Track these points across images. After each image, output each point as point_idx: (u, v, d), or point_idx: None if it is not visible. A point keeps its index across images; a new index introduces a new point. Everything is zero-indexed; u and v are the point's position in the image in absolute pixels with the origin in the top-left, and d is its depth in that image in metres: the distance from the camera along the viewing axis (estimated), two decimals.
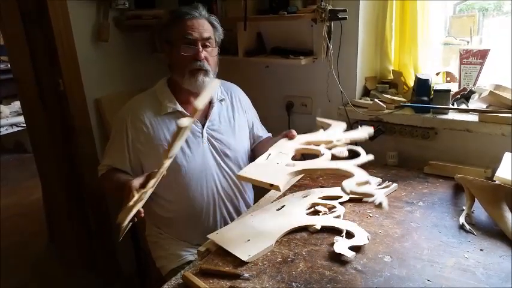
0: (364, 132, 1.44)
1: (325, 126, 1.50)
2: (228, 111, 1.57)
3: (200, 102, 1.08)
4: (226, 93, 1.60)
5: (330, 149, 1.30)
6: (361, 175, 1.10)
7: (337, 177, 1.56)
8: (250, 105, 1.69)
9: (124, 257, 2.26)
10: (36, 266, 2.61)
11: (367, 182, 1.07)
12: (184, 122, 1.05)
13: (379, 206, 0.98)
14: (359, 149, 1.30)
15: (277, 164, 1.19)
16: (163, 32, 1.46)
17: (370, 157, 1.24)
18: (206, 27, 1.42)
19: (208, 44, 1.42)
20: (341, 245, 1.09)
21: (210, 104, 1.53)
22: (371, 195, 1.01)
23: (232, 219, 1.50)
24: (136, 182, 1.16)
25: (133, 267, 2.11)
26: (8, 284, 2.43)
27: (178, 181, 1.43)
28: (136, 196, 1.10)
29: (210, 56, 1.43)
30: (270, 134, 1.73)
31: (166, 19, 1.47)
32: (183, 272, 1.06)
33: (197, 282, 1.00)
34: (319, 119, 1.54)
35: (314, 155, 1.28)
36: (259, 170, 1.16)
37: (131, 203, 1.09)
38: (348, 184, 1.06)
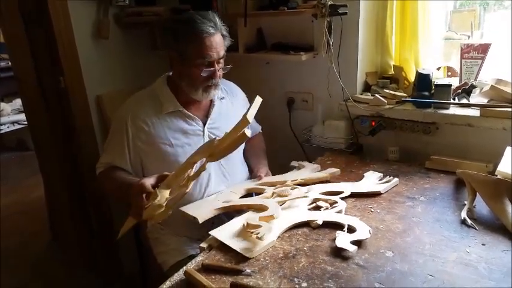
0: (326, 173, 1.54)
1: (301, 167, 1.63)
2: (228, 109, 1.57)
3: (250, 116, 1.17)
4: (226, 92, 1.61)
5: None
6: (271, 211, 1.24)
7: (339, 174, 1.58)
8: (247, 104, 1.68)
9: (126, 256, 2.26)
10: (37, 265, 2.61)
11: (270, 217, 1.20)
12: (249, 132, 1.16)
13: (260, 237, 1.10)
14: (301, 188, 1.43)
15: (218, 200, 1.39)
16: (174, 40, 1.41)
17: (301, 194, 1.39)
18: (221, 43, 1.41)
19: (221, 60, 1.43)
20: (343, 240, 1.09)
21: (211, 102, 1.54)
22: (258, 227, 1.14)
23: (232, 215, 1.51)
24: (148, 182, 1.17)
25: (135, 267, 2.11)
26: (8, 283, 2.43)
27: None
28: (159, 196, 1.12)
29: (221, 72, 1.45)
30: (259, 129, 1.78)
31: (180, 28, 1.40)
32: (185, 268, 1.07)
33: (199, 278, 1.00)
34: (294, 163, 1.67)
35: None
36: (196, 205, 1.37)
37: (156, 201, 1.11)
38: (251, 216, 1.24)
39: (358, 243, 1.10)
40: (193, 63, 1.39)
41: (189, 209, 1.32)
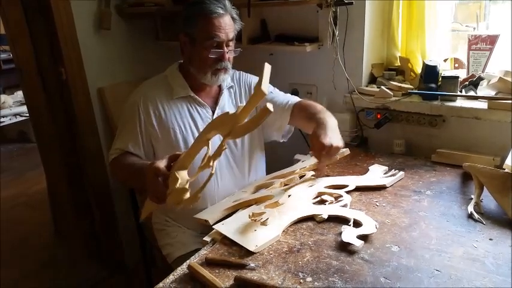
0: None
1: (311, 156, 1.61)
2: (236, 98, 1.56)
3: (265, 88, 1.05)
4: (235, 81, 1.59)
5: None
6: (275, 198, 1.27)
7: (343, 166, 1.56)
8: (256, 80, 1.65)
9: (129, 247, 2.27)
10: (41, 256, 2.62)
11: (275, 203, 1.24)
12: (271, 106, 1.03)
13: (264, 221, 1.15)
14: (308, 173, 1.47)
15: (231, 201, 1.37)
16: (183, 23, 1.42)
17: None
18: (230, 25, 1.40)
19: (231, 43, 1.43)
20: (349, 234, 1.08)
21: (220, 90, 1.53)
22: (262, 214, 1.17)
23: None
24: (161, 164, 1.13)
25: (138, 258, 2.11)
26: (12, 273, 2.44)
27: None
28: (180, 179, 1.07)
29: (231, 55, 1.44)
30: (295, 99, 1.56)
31: (189, 10, 1.41)
32: (189, 262, 1.06)
33: (203, 272, 0.99)
34: (298, 156, 1.67)
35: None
36: (209, 210, 1.36)
37: (178, 185, 1.06)
38: (256, 208, 1.25)
39: (363, 237, 1.08)
40: (202, 45, 1.39)
41: (202, 215, 1.32)
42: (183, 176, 1.10)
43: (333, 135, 1.27)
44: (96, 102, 2.05)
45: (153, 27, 2.21)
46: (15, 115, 4.47)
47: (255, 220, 1.16)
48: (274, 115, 1.52)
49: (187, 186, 1.08)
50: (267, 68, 1.10)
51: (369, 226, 1.12)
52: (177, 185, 1.07)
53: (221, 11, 1.37)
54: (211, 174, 1.08)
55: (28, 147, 4.45)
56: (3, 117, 4.37)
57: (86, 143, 2.05)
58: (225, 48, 1.40)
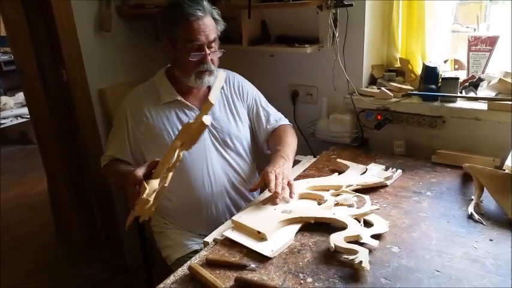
0: (380, 176, 1.42)
1: (344, 168, 1.52)
2: (227, 98, 1.56)
3: (213, 97, 1.08)
4: (226, 81, 1.59)
5: (337, 195, 1.32)
6: (354, 229, 1.10)
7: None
8: (251, 90, 1.65)
9: (130, 248, 2.27)
10: (41, 257, 2.62)
11: (357, 237, 1.07)
12: (208, 119, 1.06)
13: (359, 264, 0.96)
14: (366, 197, 1.28)
15: (274, 209, 1.24)
16: (164, 27, 1.44)
17: (374, 207, 1.22)
18: (211, 26, 1.39)
19: (213, 44, 1.42)
20: (364, 235, 1.07)
21: (209, 91, 1.53)
22: (354, 252, 1.01)
23: (237, 208, 1.51)
24: (139, 172, 1.15)
25: (139, 259, 2.12)
26: (13, 274, 2.45)
27: (180, 170, 1.42)
28: (148, 189, 1.10)
29: (214, 56, 1.43)
30: (284, 122, 1.68)
31: (168, 13, 1.42)
32: (189, 263, 1.06)
33: (203, 273, 0.99)
34: (339, 160, 1.57)
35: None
36: (252, 216, 1.21)
37: (144, 195, 1.09)
38: (335, 238, 1.07)
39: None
40: (184, 48, 1.38)
41: (246, 220, 1.18)
42: (151, 186, 1.12)
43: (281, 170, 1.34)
44: (97, 103, 2.05)
45: (153, 29, 2.21)
46: (16, 117, 4.48)
47: (349, 259, 1.00)
48: (259, 131, 1.63)
49: (152, 197, 1.10)
50: (220, 77, 1.13)
51: (380, 225, 1.12)
52: (144, 195, 1.09)
53: (200, 13, 1.36)
54: (163, 187, 1.12)
55: (29, 149, 4.45)
56: (4, 118, 4.38)
57: (86, 144, 2.05)
58: (207, 50, 1.39)
